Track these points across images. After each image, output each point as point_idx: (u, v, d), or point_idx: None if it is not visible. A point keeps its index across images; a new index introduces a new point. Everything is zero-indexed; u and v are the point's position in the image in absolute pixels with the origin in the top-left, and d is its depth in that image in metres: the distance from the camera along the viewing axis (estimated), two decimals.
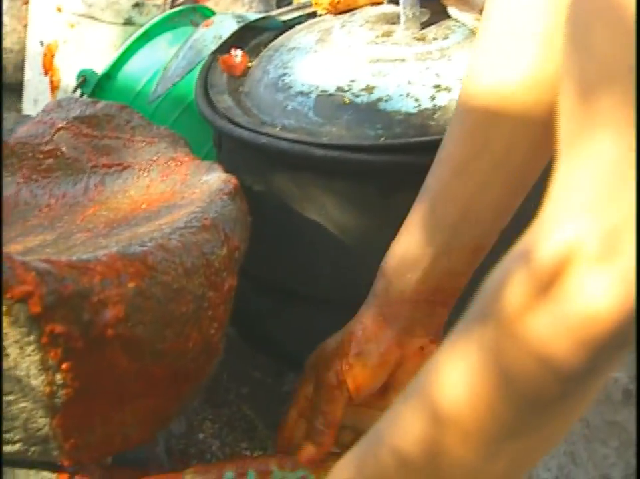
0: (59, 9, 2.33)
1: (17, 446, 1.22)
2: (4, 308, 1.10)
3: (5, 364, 1.13)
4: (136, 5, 2.22)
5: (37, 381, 1.14)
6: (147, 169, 1.56)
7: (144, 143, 1.58)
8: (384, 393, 1.34)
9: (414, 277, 1.27)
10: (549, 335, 0.79)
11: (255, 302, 1.63)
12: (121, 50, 2.14)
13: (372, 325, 1.31)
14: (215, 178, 1.43)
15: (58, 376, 1.14)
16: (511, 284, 0.81)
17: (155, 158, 1.56)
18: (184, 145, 1.60)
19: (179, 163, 1.53)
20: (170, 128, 1.69)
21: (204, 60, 1.85)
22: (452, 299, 1.29)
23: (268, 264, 1.59)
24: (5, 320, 1.10)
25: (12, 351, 1.12)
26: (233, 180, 1.41)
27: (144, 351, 1.20)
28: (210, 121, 1.66)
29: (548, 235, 0.77)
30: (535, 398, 0.86)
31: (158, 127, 1.64)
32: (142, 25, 2.19)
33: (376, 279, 1.33)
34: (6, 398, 1.16)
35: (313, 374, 1.38)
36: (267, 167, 1.59)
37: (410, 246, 1.27)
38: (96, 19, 2.22)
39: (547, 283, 0.77)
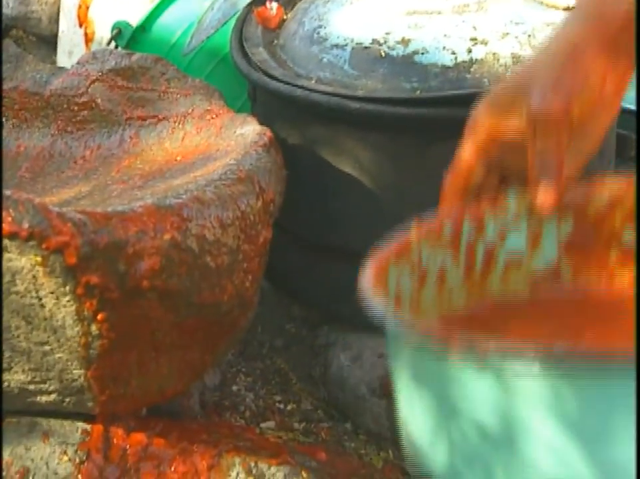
0: None
1: (52, 397, 1.23)
2: (39, 258, 1.10)
3: (41, 315, 1.14)
4: None
5: (73, 332, 1.14)
6: (182, 122, 1.56)
7: (179, 95, 1.58)
8: None
9: None
10: None
11: (289, 255, 1.63)
12: (155, 2, 2.13)
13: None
14: (250, 131, 1.43)
15: (94, 327, 1.14)
16: None
17: (190, 110, 1.55)
18: (219, 97, 1.59)
19: (214, 116, 1.53)
20: (205, 80, 1.68)
21: (239, 13, 1.84)
22: None
23: (302, 217, 1.59)
24: (41, 270, 1.11)
25: (47, 302, 1.13)
26: (268, 133, 1.41)
27: (179, 303, 1.20)
28: (245, 74, 1.65)
29: None
30: None
31: (193, 79, 1.63)
32: None
33: None
34: (41, 349, 1.17)
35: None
36: (302, 120, 1.58)
37: None
38: None
39: None
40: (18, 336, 1.15)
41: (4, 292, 1.12)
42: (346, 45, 1.55)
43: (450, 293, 1.03)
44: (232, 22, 1.85)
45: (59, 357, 1.17)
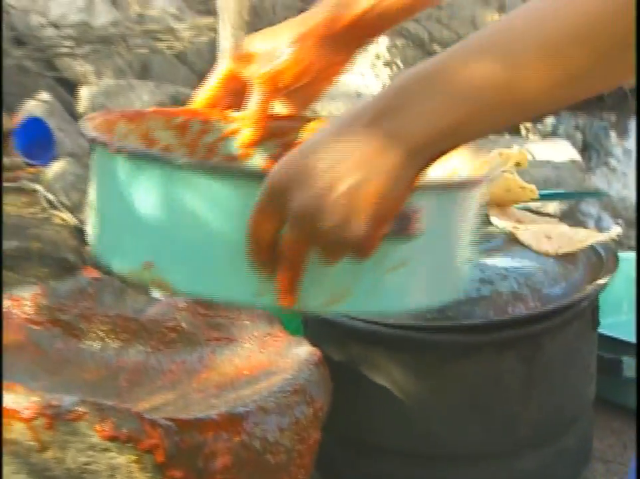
0: None
1: None
2: (134, 457, 1.08)
3: None
4: None
5: None
6: (249, 342, 1.55)
7: (247, 321, 1.58)
8: None
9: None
10: None
11: (334, 451, 1.59)
12: None
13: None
14: (303, 351, 1.43)
15: None
16: None
17: (255, 333, 1.55)
18: (278, 323, 1.59)
19: (275, 338, 1.52)
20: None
21: None
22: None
23: (345, 420, 1.56)
24: (135, 466, 1.09)
25: None
26: (318, 353, 1.40)
27: None
28: None
29: None
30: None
31: (258, 309, 1.64)
32: None
33: None
34: None
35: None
36: (345, 341, 1.57)
37: None
38: None
39: None
40: None
41: None
42: None
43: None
44: None
45: None
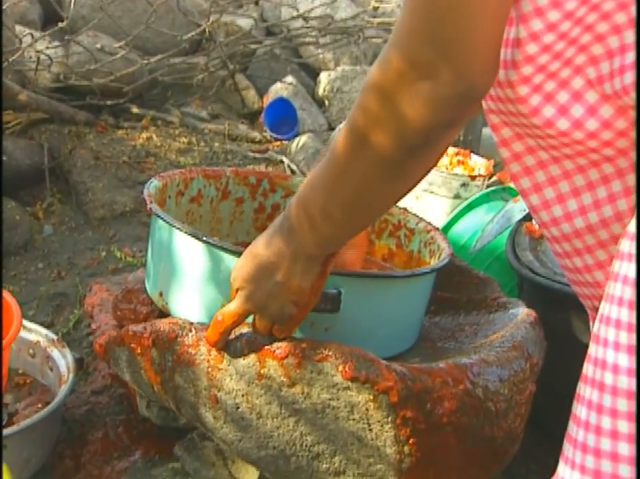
0: None
1: None
2: (371, 396, 1.10)
3: (369, 436, 1.13)
4: (463, 185, 2.24)
5: (391, 450, 1.13)
6: (471, 305, 1.53)
7: (471, 283, 1.57)
8: None
9: None
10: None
11: (544, 401, 1.56)
12: (451, 216, 2.15)
13: None
14: (520, 311, 1.40)
15: (406, 448, 1.13)
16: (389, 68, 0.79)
17: (478, 296, 1.54)
18: (497, 285, 1.57)
19: (493, 298, 1.50)
20: (484, 272, 1.67)
21: (512, 226, 1.83)
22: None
23: (556, 375, 1.52)
24: (372, 405, 1.11)
25: (374, 427, 1.12)
26: (534, 314, 1.38)
27: (467, 435, 1.17)
28: (516, 270, 1.63)
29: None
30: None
31: (477, 271, 1.62)
32: (466, 199, 2.20)
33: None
34: (368, 460, 1.16)
35: None
36: (558, 306, 1.53)
37: None
38: (434, 194, 2.25)
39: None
40: (352, 450, 1.15)
41: (345, 419, 1.12)
42: None
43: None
44: (507, 232, 1.84)
45: (380, 468, 1.15)
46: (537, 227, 1.72)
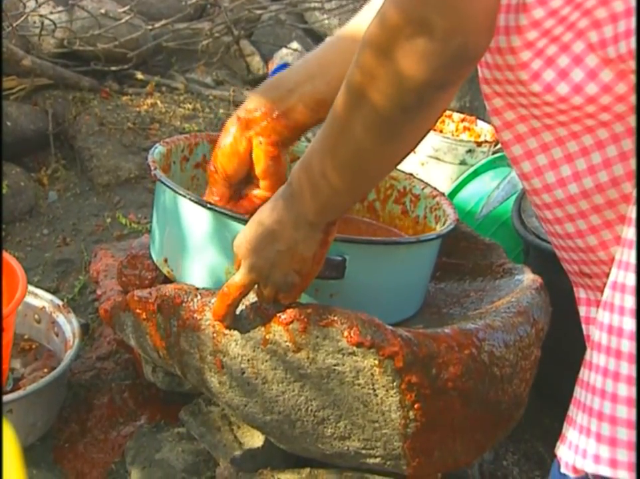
0: (414, 151, 2.34)
1: (377, 460, 1.21)
2: (376, 361, 1.10)
3: (374, 401, 1.13)
4: (469, 151, 2.22)
5: (396, 415, 1.13)
6: (477, 272, 1.52)
7: (476, 249, 1.56)
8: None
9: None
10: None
11: (549, 367, 1.56)
12: (456, 182, 2.14)
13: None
14: (526, 277, 1.40)
15: (411, 413, 1.13)
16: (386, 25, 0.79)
17: (483, 261, 1.53)
18: (502, 251, 1.56)
19: (498, 264, 1.50)
20: (490, 238, 1.66)
21: (518, 192, 1.82)
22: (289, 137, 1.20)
23: (559, 339, 1.52)
24: (377, 370, 1.10)
25: (380, 392, 1.12)
26: (539, 280, 1.37)
27: (472, 400, 1.17)
28: (522, 236, 1.62)
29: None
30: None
31: (483, 237, 1.61)
32: (472, 165, 2.18)
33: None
34: (373, 425, 1.16)
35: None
36: (564, 272, 1.52)
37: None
38: (440, 160, 2.24)
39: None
40: (357, 415, 1.15)
41: (350, 384, 1.12)
42: None
43: None
44: (513, 198, 1.83)
45: (385, 432, 1.16)
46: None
